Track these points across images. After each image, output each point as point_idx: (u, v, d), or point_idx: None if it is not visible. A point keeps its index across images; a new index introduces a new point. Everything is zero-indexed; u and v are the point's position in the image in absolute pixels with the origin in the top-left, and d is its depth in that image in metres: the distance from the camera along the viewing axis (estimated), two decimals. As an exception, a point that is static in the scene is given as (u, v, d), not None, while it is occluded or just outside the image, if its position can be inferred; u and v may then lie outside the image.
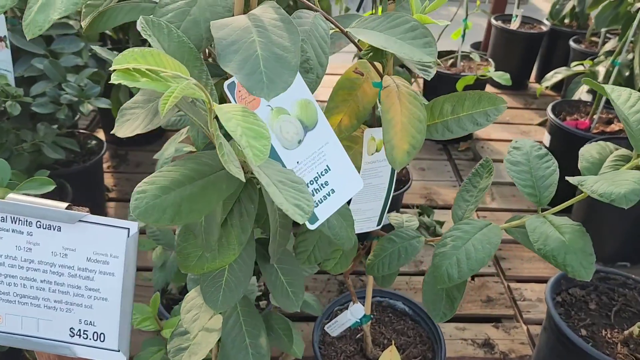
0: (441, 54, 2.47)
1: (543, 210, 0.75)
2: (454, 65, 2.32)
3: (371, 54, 0.69)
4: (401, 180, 1.79)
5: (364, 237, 0.97)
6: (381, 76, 0.75)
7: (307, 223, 0.58)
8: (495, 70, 2.90)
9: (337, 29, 0.68)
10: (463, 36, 2.20)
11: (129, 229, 0.51)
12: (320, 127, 0.59)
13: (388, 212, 1.72)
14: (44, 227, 0.52)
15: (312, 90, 0.62)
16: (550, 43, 2.91)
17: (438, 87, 2.16)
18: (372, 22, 0.66)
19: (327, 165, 0.59)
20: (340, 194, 0.60)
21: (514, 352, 1.51)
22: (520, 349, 1.52)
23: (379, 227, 0.90)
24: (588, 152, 0.75)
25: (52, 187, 0.86)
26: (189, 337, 0.80)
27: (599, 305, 1.31)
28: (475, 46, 3.18)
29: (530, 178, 0.75)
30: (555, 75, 2.20)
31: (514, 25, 2.78)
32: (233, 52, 0.46)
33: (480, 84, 2.20)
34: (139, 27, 0.47)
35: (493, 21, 2.87)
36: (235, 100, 0.53)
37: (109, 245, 0.51)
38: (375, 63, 0.76)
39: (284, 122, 0.56)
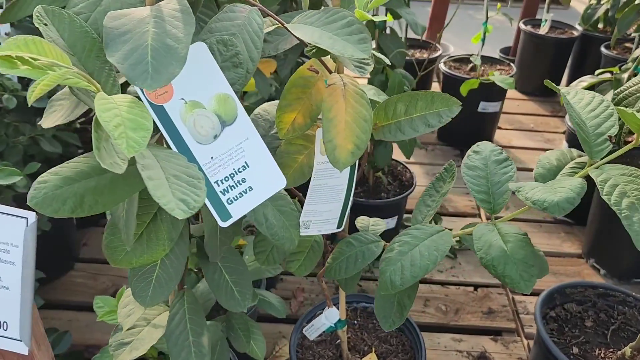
0: (462, 59, 2.41)
1: (498, 218, 0.71)
2: (473, 69, 2.26)
3: (314, 50, 0.68)
4: (405, 184, 1.75)
5: (333, 239, 0.95)
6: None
7: (219, 220, 0.57)
8: (523, 76, 2.82)
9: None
10: (483, 40, 2.14)
11: (27, 218, 0.51)
12: (239, 122, 0.58)
13: (391, 215, 1.69)
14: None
15: (242, 84, 0.60)
16: (581, 49, 2.80)
17: (455, 95, 2.11)
18: (311, 17, 0.64)
19: (245, 162, 0.57)
20: (259, 191, 0.58)
21: (510, 367, 1.45)
22: (517, 364, 1.46)
23: (340, 229, 0.87)
24: (547, 158, 0.70)
25: (18, 178, 0.87)
26: (134, 332, 0.79)
27: (596, 322, 1.24)
28: (505, 51, 3.10)
29: (486, 184, 0.72)
30: (580, 83, 2.12)
31: (543, 30, 2.69)
32: (122, 43, 0.45)
33: (499, 89, 2.13)
34: (34, 16, 0.47)
35: (522, 26, 2.78)
36: (143, 93, 0.53)
37: (8, 234, 0.51)
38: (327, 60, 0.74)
39: (198, 116, 0.55)
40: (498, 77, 1.39)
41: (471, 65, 2.26)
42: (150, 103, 0.53)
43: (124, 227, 0.60)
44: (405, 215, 1.92)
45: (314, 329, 1.15)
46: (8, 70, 0.42)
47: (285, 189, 0.87)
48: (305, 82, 0.76)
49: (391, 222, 1.71)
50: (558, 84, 2.86)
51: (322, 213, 0.83)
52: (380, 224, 0.92)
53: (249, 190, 0.57)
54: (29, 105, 0.43)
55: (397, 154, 1.80)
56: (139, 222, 0.63)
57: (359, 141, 0.68)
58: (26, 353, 0.56)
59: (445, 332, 1.56)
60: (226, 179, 0.56)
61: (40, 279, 1.37)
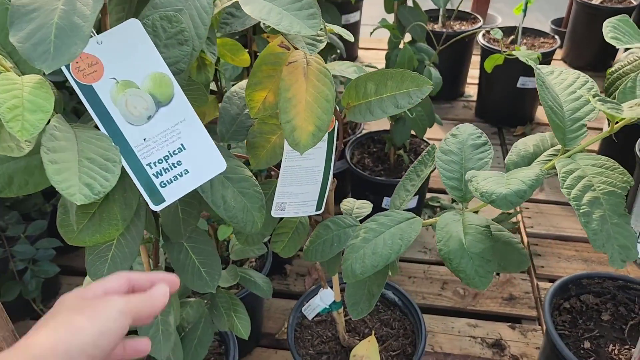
0: (504, 31, 2.29)
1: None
2: (514, 42, 2.14)
3: (269, 27, 0.64)
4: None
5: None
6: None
7: (150, 204, 0.55)
8: (574, 49, 2.65)
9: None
10: (524, 11, 2.01)
11: (-43, 197, 0.51)
12: (176, 102, 0.55)
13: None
14: None
15: (187, 62, 0.58)
16: (640, 19, 2.60)
17: (493, 70, 2.00)
18: (266, -9, 0.61)
19: (181, 144, 0.55)
20: (196, 175, 0.56)
21: (526, 356, 1.39)
22: (533, 353, 1.40)
23: (320, 211, 0.84)
24: (524, 143, 0.64)
25: None
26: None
27: (614, 316, 1.16)
28: (557, 22, 2.92)
29: (459, 170, 0.67)
30: (629, 56, 1.96)
31: (598, -1, 2.51)
32: (27, 21, 0.44)
33: (541, 63, 2.00)
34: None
35: (574, -6, 2.60)
36: (70, 72, 0.51)
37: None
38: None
39: (131, 97, 0.53)
40: (523, 52, 1.30)
41: (511, 37, 2.14)
42: (77, 82, 0.51)
43: (70, 207, 0.59)
44: (428, 195, 1.86)
45: (311, 309, 1.13)
46: None
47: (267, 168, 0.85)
48: (275, 59, 0.73)
49: (412, 202, 1.66)
50: (612, 59, 2.67)
51: (297, 195, 0.81)
52: (366, 207, 0.89)
53: (185, 174, 0.55)
54: None
55: (430, 131, 1.73)
56: (92, 202, 0.62)
57: (320, 122, 0.64)
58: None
59: (461, 317, 1.51)
60: (160, 161, 0.54)
61: (57, 247, 1.42)
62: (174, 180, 0.55)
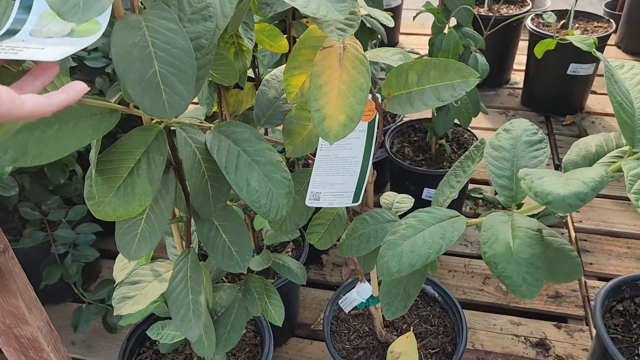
0: (555, 14, 2.18)
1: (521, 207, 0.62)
2: (565, 26, 2.03)
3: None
4: (470, 154, 1.63)
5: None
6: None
7: None
8: (629, 33, 2.51)
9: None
10: (577, -7, 1.91)
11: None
12: None
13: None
14: None
15: (209, 39, 0.55)
16: None
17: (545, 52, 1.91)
18: (299, -29, 0.57)
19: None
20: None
21: (572, 358, 1.33)
22: (580, 355, 1.34)
23: (357, 203, 0.81)
24: (585, 142, 0.59)
25: None
26: (139, 287, 0.79)
27: (671, 321, 1.09)
28: (611, 5, 2.77)
29: (510, 167, 0.62)
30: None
31: (658, -20, 2.36)
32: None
33: (599, 47, 1.90)
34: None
35: (632, -25, 2.46)
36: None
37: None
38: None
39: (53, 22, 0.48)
40: (577, 37, 1.22)
41: (562, 22, 2.04)
42: None
43: (93, 180, 0.58)
44: (471, 186, 1.80)
45: (348, 303, 1.10)
46: None
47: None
48: (316, 43, 0.70)
49: (453, 193, 1.60)
50: (672, 43, 2.52)
51: (333, 185, 0.77)
52: (407, 202, 0.85)
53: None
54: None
55: (474, 120, 1.66)
56: (116, 176, 0.61)
57: (353, 112, 0.61)
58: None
59: (503, 314, 1.46)
60: None
61: (97, 232, 1.43)
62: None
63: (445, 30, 1.37)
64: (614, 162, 0.56)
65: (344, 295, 1.21)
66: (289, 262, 0.98)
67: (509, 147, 0.64)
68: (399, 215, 0.81)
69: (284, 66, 0.80)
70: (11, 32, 0.46)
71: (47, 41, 0.45)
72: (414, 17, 1.43)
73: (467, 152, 0.75)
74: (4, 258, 0.58)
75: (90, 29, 0.48)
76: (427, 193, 1.60)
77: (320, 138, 0.72)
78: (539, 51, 1.35)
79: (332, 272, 1.61)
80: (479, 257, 1.61)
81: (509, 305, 1.48)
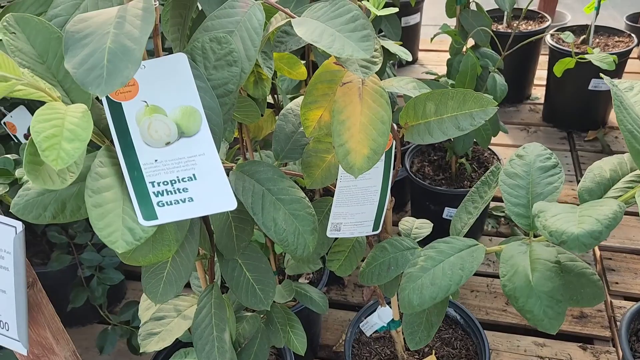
0: (575, 29, 2.17)
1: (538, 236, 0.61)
2: (585, 42, 2.02)
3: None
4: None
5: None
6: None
7: (139, 216, 0.50)
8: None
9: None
10: (597, 8, 1.90)
11: (15, 227, 0.52)
12: (200, 137, 0.53)
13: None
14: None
15: (236, 84, 0.57)
16: None
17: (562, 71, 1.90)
18: (319, 10, 0.59)
19: (193, 174, 0.53)
20: (200, 205, 0.53)
21: (598, 380, 1.31)
22: (607, 378, 1.31)
23: (377, 231, 0.81)
24: (600, 167, 0.59)
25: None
26: (164, 322, 0.81)
27: (700, 344, 1.07)
28: (633, 19, 2.74)
29: (525, 195, 0.62)
30: None
31: (680, -8, 2.33)
32: (81, 47, 0.44)
33: (620, 63, 1.88)
34: (1, 26, 0.47)
35: (653, -12, 2.43)
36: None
37: (2, 241, 0.53)
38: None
39: (155, 121, 0.52)
40: (596, 55, 1.21)
41: (582, 37, 2.02)
42: (107, 97, 0.51)
43: None
44: (493, 204, 1.79)
45: (369, 326, 1.10)
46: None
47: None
48: (331, 77, 0.71)
49: (474, 213, 1.59)
50: (697, 55, 2.48)
51: (353, 215, 0.78)
52: (426, 228, 0.85)
53: (188, 201, 0.52)
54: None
55: (495, 137, 1.66)
56: None
57: (376, 145, 0.62)
58: (25, 354, 0.58)
59: (527, 335, 1.44)
60: (165, 182, 0.52)
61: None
62: (174, 203, 0.52)
63: (463, 50, 1.38)
64: (628, 189, 0.56)
65: (365, 318, 1.21)
66: (311, 292, 0.98)
67: (523, 174, 0.64)
68: (418, 242, 0.81)
69: (300, 99, 0.81)
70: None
71: (163, 149, 0.49)
72: (432, 39, 1.44)
73: (483, 178, 0.76)
74: (33, 291, 0.60)
75: (192, 126, 0.51)
76: (447, 212, 1.60)
77: (340, 169, 0.73)
78: (558, 70, 1.35)
79: (354, 292, 1.61)
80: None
81: (532, 326, 1.46)
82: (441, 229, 1.67)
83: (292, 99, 1.09)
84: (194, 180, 0.51)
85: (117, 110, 0.50)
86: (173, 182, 0.51)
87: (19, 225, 0.52)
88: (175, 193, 0.50)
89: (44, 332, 0.65)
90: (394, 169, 0.76)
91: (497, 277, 1.60)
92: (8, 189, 0.93)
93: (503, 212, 1.77)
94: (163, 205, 0.50)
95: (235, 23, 0.58)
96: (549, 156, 0.65)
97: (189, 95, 0.53)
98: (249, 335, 0.89)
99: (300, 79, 1.03)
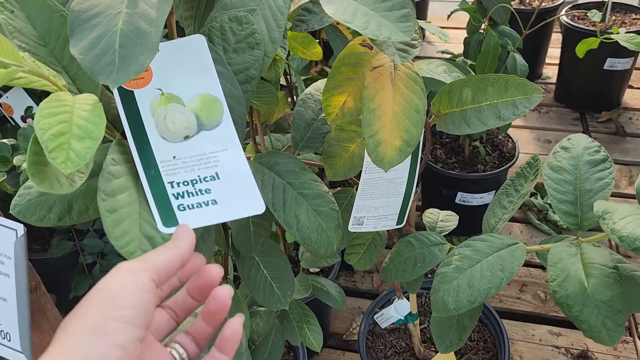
0: (592, 5, 2.10)
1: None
2: (602, 20, 1.95)
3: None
4: (505, 156, 1.57)
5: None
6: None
7: (159, 224, 0.44)
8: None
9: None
10: (615, -16, 1.82)
11: (16, 230, 0.47)
12: (222, 130, 0.48)
13: (488, 189, 1.53)
14: (-51, 218, 0.50)
15: (258, 69, 0.51)
16: None
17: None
18: (350, -14, 0.53)
19: (216, 173, 0.47)
20: (225, 209, 0.47)
21: (616, 371, 1.28)
22: (625, 368, 1.28)
23: (401, 225, 0.76)
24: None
25: None
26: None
27: None
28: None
29: (573, 191, 0.57)
30: None
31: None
32: (89, 28, 0.38)
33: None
34: (-2, 5, 0.41)
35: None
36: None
37: (1, 245, 0.48)
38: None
39: (172, 111, 0.46)
40: (624, 35, 1.15)
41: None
42: (118, 86, 0.45)
43: None
44: (506, 188, 1.74)
45: (384, 319, 1.06)
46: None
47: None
48: (356, 60, 0.65)
49: (487, 197, 1.55)
50: None
51: (377, 209, 0.73)
52: (451, 221, 0.80)
53: (212, 204, 0.46)
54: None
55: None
56: None
57: (409, 136, 0.56)
58: (28, 365, 0.53)
59: (542, 324, 1.40)
60: (185, 183, 0.46)
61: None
62: (197, 207, 0.46)
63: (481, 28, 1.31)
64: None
65: (379, 309, 1.17)
66: (327, 286, 0.94)
67: (570, 169, 0.59)
68: (444, 236, 0.77)
69: (319, 84, 0.75)
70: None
71: (181, 144, 0.43)
72: (449, 16, 1.37)
73: (518, 170, 0.70)
74: (36, 295, 0.55)
75: (213, 117, 0.46)
76: (460, 197, 1.55)
77: (365, 160, 0.67)
78: (581, 50, 1.29)
79: (363, 278, 1.56)
80: (526, 265, 1.55)
81: (547, 314, 1.43)
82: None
83: (305, 81, 1.03)
84: (217, 179, 0.46)
85: (128, 99, 0.45)
86: (194, 182, 0.45)
87: (20, 228, 0.46)
88: (197, 195, 0.45)
89: (48, 338, 0.61)
90: (422, 159, 0.71)
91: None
92: (6, 176, 0.88)
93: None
94: (184, 209, 0.44)
95: (257, 0, 0.52)
96: (598, 149, 0.59)
97: (208, 82, 0.47)
98: (263, 332, 0.85)
99: (315, 59, 0.97)
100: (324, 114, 0.72)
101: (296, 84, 1.02)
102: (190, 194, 0.45)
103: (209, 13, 0.55)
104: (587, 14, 1.21)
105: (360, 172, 0.70)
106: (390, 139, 0.56)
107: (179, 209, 0.44)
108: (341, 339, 1.41)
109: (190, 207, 0.44)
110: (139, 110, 0.45)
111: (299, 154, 0.72)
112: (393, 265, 0.74)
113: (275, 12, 0.52)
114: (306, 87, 0.78)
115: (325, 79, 0.77)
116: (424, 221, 0.82)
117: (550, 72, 2.35)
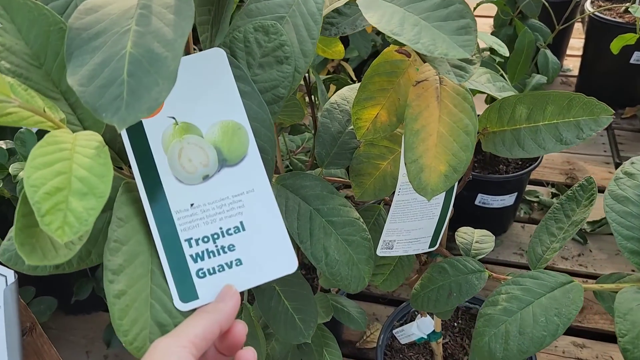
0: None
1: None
2: (628, 11, 1.85)
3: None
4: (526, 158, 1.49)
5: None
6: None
7: (176, 299, 0.37)
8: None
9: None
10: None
11: (6, 276, 0.40)
12: (248, 166, 0.40)
13: (509, 192, 1.46)
14: None
15: (287, 87, 0.44)
16: None
17: (602, 42, 1.74)
18: (395, -10, 0.45)
19: (240, 222, 0.39)
20: (252, 270, 0.39)
21: (644, 386, 1.21)
22: (654, 384, 1.21)
23: (434, 248, 0.70)
24: None
25: None
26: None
27: None
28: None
29: (641, 226, 0.50)
30: None
31: None
32: (91, 51, 0.31)
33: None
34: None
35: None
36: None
37: (-12, 292, 0.41)
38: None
39: (188, 145, 0.39)
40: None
41: (626, 5, 1.85)
42: None
43: None
44: (528, 187, 1.66)
45: (404, 335, 1.00)
46: None
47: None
48: (392, 69, 0.58)
49: (508, 199, 1.48)
50: None
51: (409, 232, 0.66)
52: (488, 242, 0.73)
53: (236, 265, 0.39)
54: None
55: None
56: None
57: (457, 161, 0.49)
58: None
59: (565, 335, 1.34)
60: (205, 239, 0.38)
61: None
62: (219, 270, 0.38)
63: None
64: None
65: (397, 321, 1.11)
66: (348, 306, 0.87)
67: (636, 199, 0.52)
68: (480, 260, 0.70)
69: (346, 92, 0.68)
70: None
71: (200, 187, 0.37)
72: (475, 8, 1.29)
73: (569, 192, 0.63)
74: (31, 337, 0.49)
75: (237, 149, 0.39)
76: (481, 199, 1.48)
77: (399, 180, 0.60)
78: (616, 47, 1.20)
79: (377, 282, 1.50)
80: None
81: (570, 325, 1.36)
82: (473, 217, 1.56)
83: (324, 81, 0.95)
84: (242, 231, 0.38)
85: (136, 132, 0.37)
86: (215, 237, 0.38)
87: (10, 275, 0.40)
88: (219, 254, 0.38)
89: (45, 380, 0.54)
90: (461, 180, 0.64)
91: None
92: (1, 184, 0.81)
93: (537, 197, 1.65)
94: (204, 275, 0.37)
95: (286, 6, 0.44)
96: (669, 176, 0.52)
97: (230, 106, 0.40)
98: (279, 356, 0.79)
99: (337, 58, 0.90)
100: (352, 127, 0.65)
101: (316, 82, 0.94)
102: (211, 254, 0.37)
103: (228, 18, 0.48)
104: (629, 9, 1.12)
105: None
106: (435, 164, 0.49)
107: (198, 276, 0.37)
108: (354, 347, 1.35)
109: (211, 271, 0.37)
110: (149, 145, 0.37)
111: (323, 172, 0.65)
112: (425, 294, 0.67)
113: (308, 20, 0.44)
114: (325, 87, 0.71)
115: (352, 85, 0.69)
116: (457, 242, 0.75)
117: (571, 64, 2.26)
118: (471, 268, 0.66)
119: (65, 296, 1.33)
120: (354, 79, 1.24)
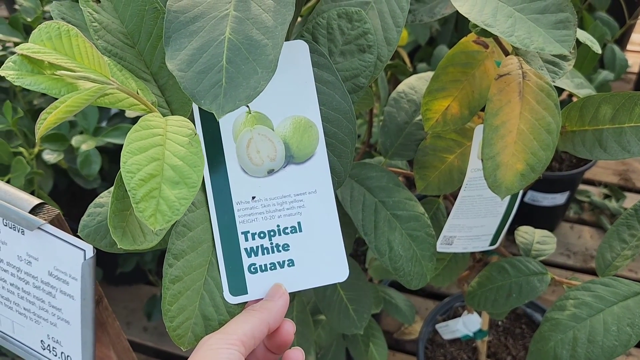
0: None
1: None
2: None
3: (479, 29, 0.47)
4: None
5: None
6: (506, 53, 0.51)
7: (225, 291, 0.37)
8: None
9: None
10: None
11: (84, 250, 0.41)
12: (314, 165, 0.39)
13: (562, 190, 1.42)
14: (10, 226, 0.44)
15: (368, 78, 0.43)
16: None
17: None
18: (486, -22, 0.43)
19: (298, 222, 0.38)
20: (302, 273, 0.39)
21: (693, 400, 1.17)
22: (703, 398, 1.17)
23: (494, 246, 0.68)
24: None
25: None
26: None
27: None
28: None
29: None
30: None
31: None
32: (189, 35, 0.30)
33: None
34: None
35: None
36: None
37: (67, 264, 0.42)
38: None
39: (258, 136, 0.38)
40: None
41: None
42: None
43: None
44: (581, 186, 1.61)
45: (448, 331, 0.99)
46: (15, 78, 0.29)
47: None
48: (467, 60, 0.56)
49: (559, 198, 1.43)
50: None
51: (471, 228, 0.65)
52: (549, 244, 0.71)
53: (288, 265, 0.38)
54: (37, 139, 0.31)
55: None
56: None
57: (535, 160, 0.47)
58: (86, 393, 0.48)
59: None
60: (262, 235, 0.38)
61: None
62: (271, 268, 0.38)
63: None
64: None
65: (440, 316, 1.10)
66: (397, 299, 0.86)
67: None
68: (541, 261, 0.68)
69: (413, 80, 0.66)
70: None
71: (263, 181, 0.37)
72: None
73: (644, 199, 0.60)
74: (98, 309, 0.50)
75: (305, 146, 0.38)
76: (531, 196, 1.44)
77: (467, 175, 0.59)
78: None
79: (417, 274, 1.49)
80: (582, 271, 1.45)
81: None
82: (520, 213, 1.52)
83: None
84: (298, 232, 0.38)
85: (209, 115, 0.37)
86: (272, 234, 0.37)
87: (89, 249, 0.40)
88: (272, 252, 0.37)
89: (107, 352, 0.56)
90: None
91: (578, 270, 1.46)
92: (62, 156, 0.82)
93: (588, 197, 1.60)
94: (255, 270, 0.37)
95: (370, -10, 0.43)
96: None
97: (305, 102, 0.39)
98: (325, 344, 0.79)
99: (400, 44, 0.88)
100: (419, 118, 0.64)
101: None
102: (265, 251, 0.37)
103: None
104: None
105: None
106: (512, 162, 0.47)
107: (250, 271, 0.36)
108: (391, 337, 1.34)
109: (263, 268, 0.37)
110: (219, 129, 0.37)
111: (386, 162, 0.64)
112: (482, 292, 0.66)
113: (394, 7, 0.43)
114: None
115: (420, 74, 0.68)
116: (517, 241, 0.73)
117: (632, 59, 2.17)
118: (533, 270, 0.64)
119: (110, 267, 1.36)
120: (409, 65, 1.21)
